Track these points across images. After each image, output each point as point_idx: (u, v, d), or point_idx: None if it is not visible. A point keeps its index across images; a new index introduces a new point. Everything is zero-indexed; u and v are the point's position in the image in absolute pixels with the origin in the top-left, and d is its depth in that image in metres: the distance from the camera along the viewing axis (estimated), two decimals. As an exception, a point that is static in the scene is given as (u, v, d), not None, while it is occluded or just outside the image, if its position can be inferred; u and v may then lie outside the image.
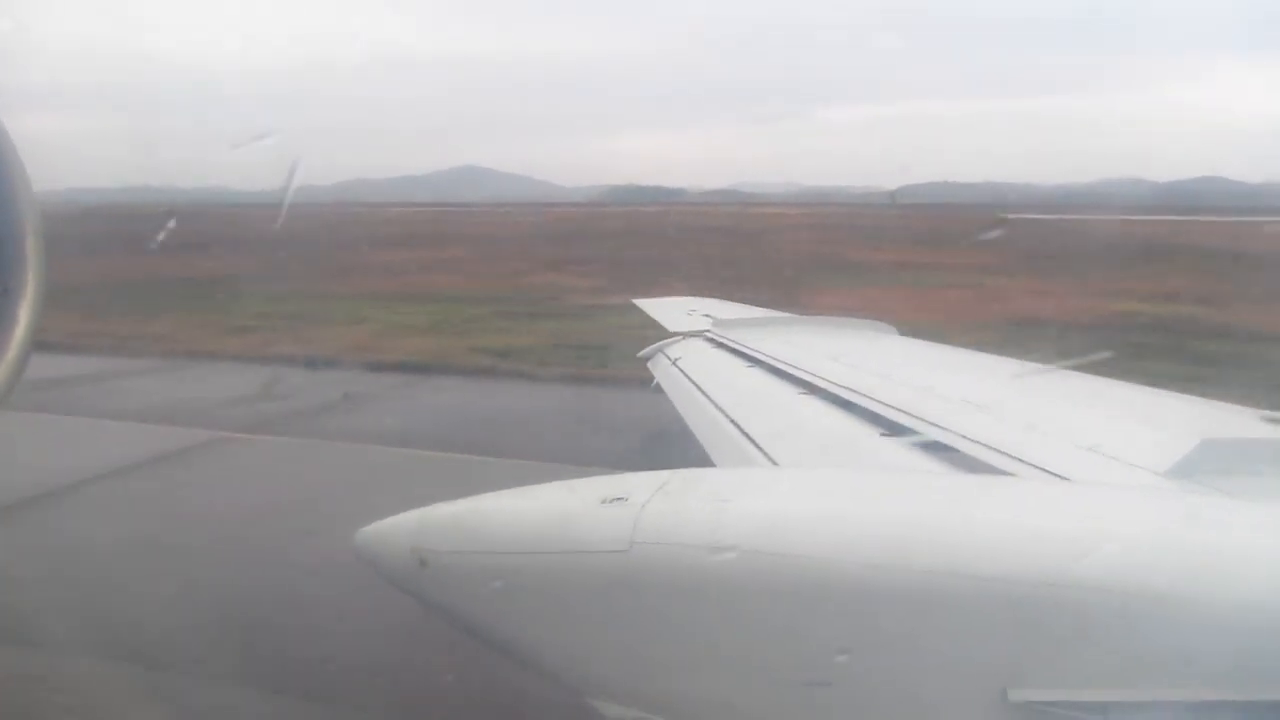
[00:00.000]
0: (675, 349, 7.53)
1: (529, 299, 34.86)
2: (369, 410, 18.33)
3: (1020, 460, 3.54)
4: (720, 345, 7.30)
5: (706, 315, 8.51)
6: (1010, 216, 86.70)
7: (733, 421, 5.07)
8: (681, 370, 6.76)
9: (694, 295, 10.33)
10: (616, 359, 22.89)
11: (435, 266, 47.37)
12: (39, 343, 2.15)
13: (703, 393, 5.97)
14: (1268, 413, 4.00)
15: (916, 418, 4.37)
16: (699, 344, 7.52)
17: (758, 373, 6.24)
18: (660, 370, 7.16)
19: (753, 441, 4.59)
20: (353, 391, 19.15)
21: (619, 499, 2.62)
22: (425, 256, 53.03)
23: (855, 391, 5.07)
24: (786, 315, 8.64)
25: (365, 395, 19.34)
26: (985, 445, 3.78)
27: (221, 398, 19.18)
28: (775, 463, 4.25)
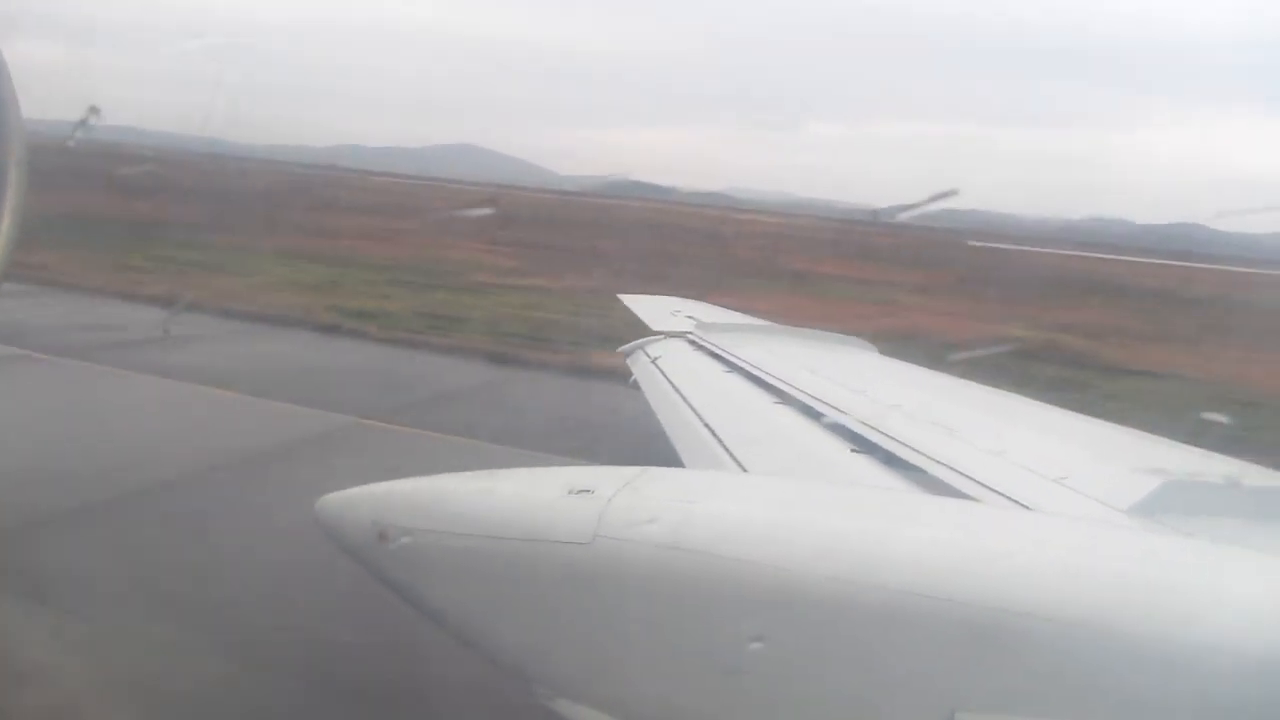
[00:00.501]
0: (655, 348, 7.58)
1: (437, 272, 35.23)
2: (180, 348, 18.93)
3: (986, 486, 3.61)
4: (701, 348, 7.38)
5: (690, 317, 8.60)
6: (977, 244, 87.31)
7: (706, 424, 5.11)
8: (660, 369, 6.84)
9: (678, 295, 10.53)
10: (462, 329, 23.60)
11: (373, 233, 47.72)
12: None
13: (679, 393, 6.01)
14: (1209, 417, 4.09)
15: (887, 435, 4.43)
16: (680, 345, 7.60)
17: (735, 378, 6.32)
18: (639, 367, 7.23)
19: (724, 446, 4.64)
20: (178, 331, 19.78)
21: (585, 491, 2.61)
22: (369, 223, 53.35)
23: (830, 405, 5.16)
24: (769, 324, 8.79)
25: (190, 336, 19.92)
26: (952, 468, 3.83)
27: (51, 324, 19.79)
28: (744, 468, 4.29)
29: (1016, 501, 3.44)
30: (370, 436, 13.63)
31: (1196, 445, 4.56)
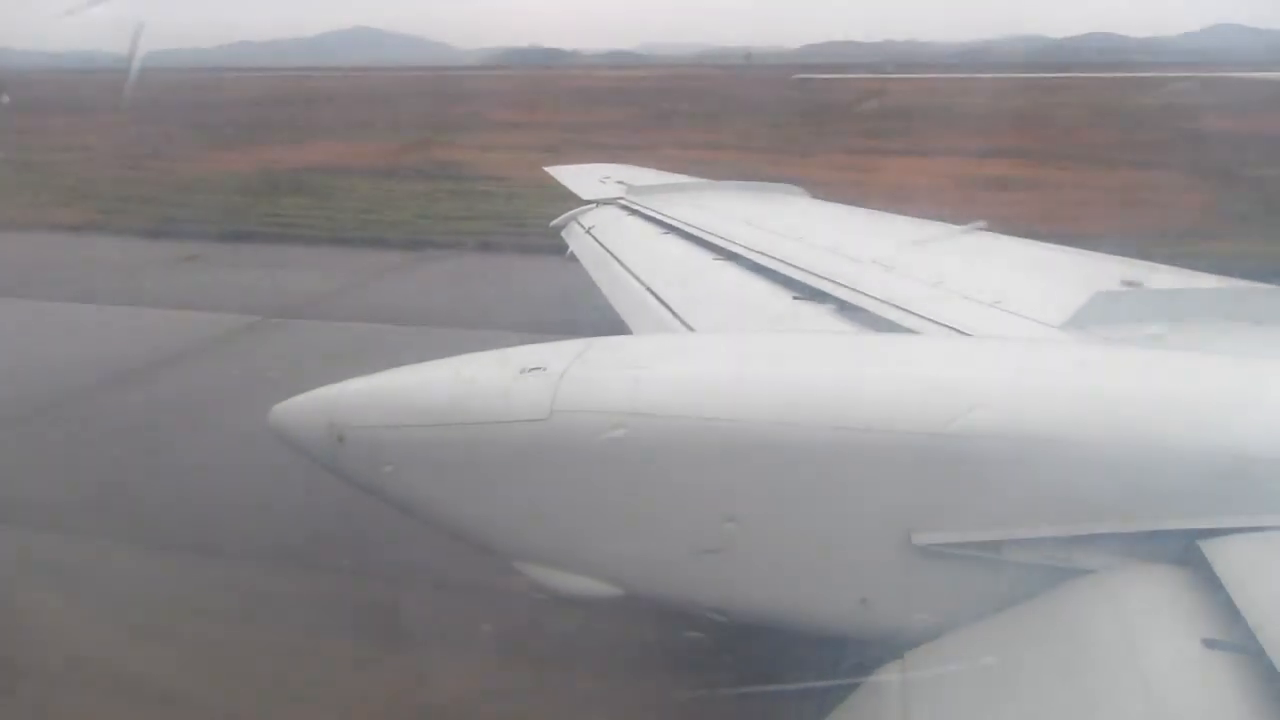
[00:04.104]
0: (589, 217, 7.42)
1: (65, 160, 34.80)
2: None
3: (926, 318, 3.71)
4: (634, 212, 7.21)
5: (620, 182, 8.38)
6: (804, 77, 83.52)
7: (648, 289, 5.11)
8: (595, 239, 6.72)
9: (606, 162, 10.22)
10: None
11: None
12: None
13: (618, 261, 5.96)
14: (1127, 275, 4.15)
15: (828, 279, 4.50)
16: (613, 212, 7.44)
17: (672, 239, 6.26)
18: (574, 239, 7.09)
19: (669, 308, 4.69)
20: None
21: (537, 368, 2.63)
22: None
23: (768, 255, 5.17)
24: (699, 180, 8.61)
25: None
26: (893, 305, 3.93)
27: None
28: (691, 328, 4.35)
29: (956, 329, 3.54)
30: None
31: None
